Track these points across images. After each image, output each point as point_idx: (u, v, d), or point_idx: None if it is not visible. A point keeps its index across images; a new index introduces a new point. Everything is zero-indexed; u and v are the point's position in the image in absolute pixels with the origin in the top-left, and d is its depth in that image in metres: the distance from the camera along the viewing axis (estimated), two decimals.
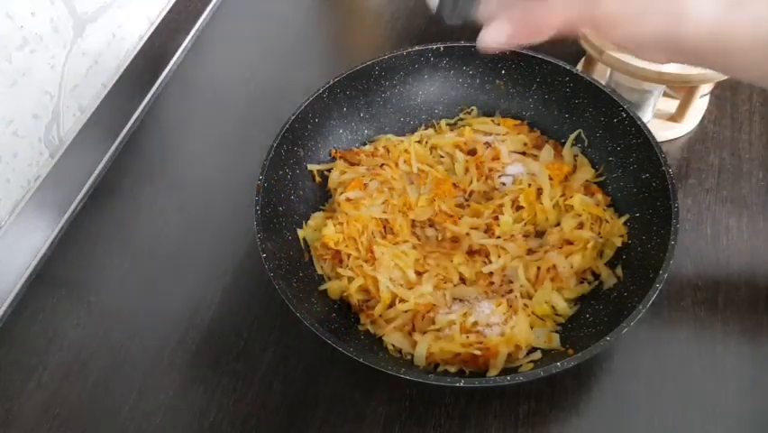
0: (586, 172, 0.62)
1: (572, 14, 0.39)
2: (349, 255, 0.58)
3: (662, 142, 0.65)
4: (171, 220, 0.68)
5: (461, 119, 0.68)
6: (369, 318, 0.55)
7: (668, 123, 0.68)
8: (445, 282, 0.56)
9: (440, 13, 0.47)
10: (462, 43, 0.65)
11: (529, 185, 0.60)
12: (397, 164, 0.64)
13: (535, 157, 0.64)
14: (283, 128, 0.60)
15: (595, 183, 0.61)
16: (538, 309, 0.54)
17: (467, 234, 0.59)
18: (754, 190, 0.64)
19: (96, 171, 0.73)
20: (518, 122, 0.66)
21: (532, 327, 0.53)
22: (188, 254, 0.65)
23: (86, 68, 0.72)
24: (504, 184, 0.62)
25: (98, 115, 0.72)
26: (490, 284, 0.56)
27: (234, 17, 0.89)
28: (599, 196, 0.60)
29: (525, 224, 0.59)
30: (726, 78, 0.62)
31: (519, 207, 0.60)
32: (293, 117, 0.61)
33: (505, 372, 0.50)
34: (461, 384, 0.47)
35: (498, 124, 0.66)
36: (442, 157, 0.66)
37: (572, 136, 0.63)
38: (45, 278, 0.65)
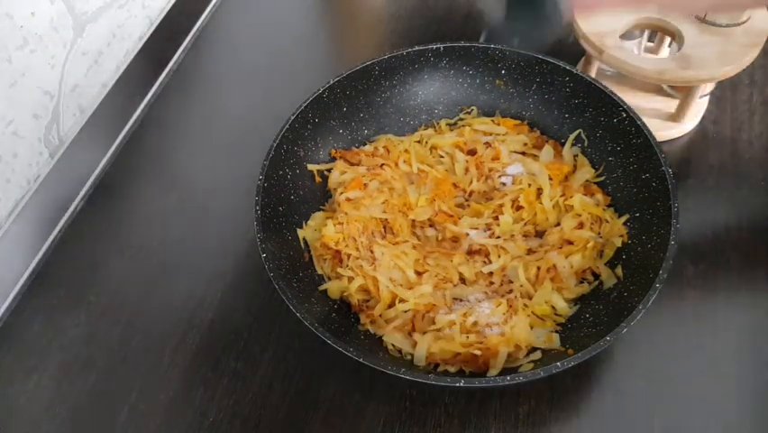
0: (586, 172, 0.62)
1: None
2: (349, 255, 0.58)
3: (662, 142, 0.65)
4: (171, 220, 0.68)
5: (461, 119, 0.68)
6: (369, 318, 0.55)
7: (668, 123, 0.68)
8: (445, 282, 0.56)
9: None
10: (462, 43, 0.65)
11: (529, 185, 0.60)
12: (397, 164, 0.64)
13: (535, 157, 0.64)
14: (283, 128, 0.60)
15: (595, 183, 0.61)
16: (538, 309, 0.54)
17: (467, 234, 0.59)
18: (754, 190, 0.64)
19: (96, 171, 0.73)
20: (518, 122, 0.66)
21: (532, 327, 0.53)
22: (188, 254, 0.65)
23: (86, 68, 0.72)
24: (504, 184, 0.62)
25: (98, 115, 0.72)
26: (490, 284, 0.56)
27: (234, 17, 0.89)
28: (599, 196, 0.60)
29: (526, 224, 0.59)
30: (726, 77, 0.62)
31: (519, 207, 0.60)
32: (293, 117, 0.61)
33: (505, 372, 0.50)
34: (461, 384, 0.47)
35: (498, 124, 0.66)
36: (442, 157, 0.66)
37: (572, 136, 0.64)
38: (45, 278, 0.65)
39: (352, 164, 0.65)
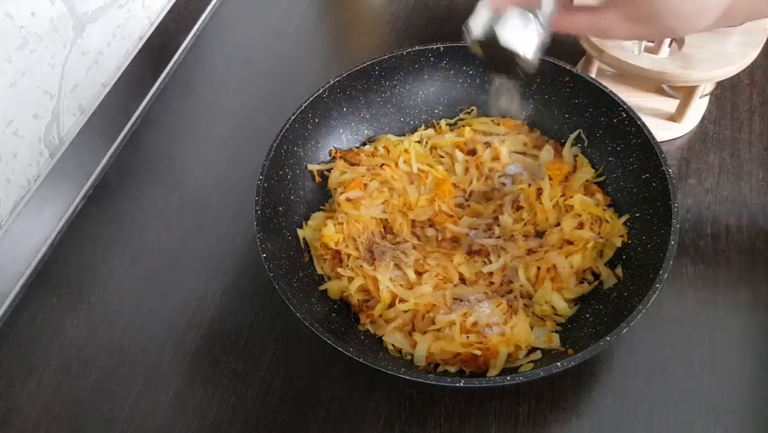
0: (586, 172, 0.62)
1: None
2: (349, 255, 0.58)
3: (662, 142, 0.65)
4: (171, 220, 0.68)
5: (461, 119, 0.68)
6: (369, 318, 0.55)
7: (668, 123, 0.68)
8: (445, 282, 0.56)
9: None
10: (462, 43, 0.65)
11: (529, 185, 0.60)
12: (397, 164, 0.64)
13: (535, 157, 0.64)
14: (283, 128, 0.60)
15: (595, 183, 0.61)
16: (538, 309, 0.54)
17: (467, 234, 0.59)
18: (754, 190, 0.64)
19: (96, 171, 0.73)
20: (518, 122, 0.66)
21: (532, 327, 0.53)
22: (188, 254, 0.65)
23: (86, 68, 0.72)
24: (504, 184, 0.62)
25: (98, 115, 0.72)
26: (490, 284, 0.56)
27: (234, 17, 0.89)
28: (599, 196, 0.60)
29: (525, 224, 0.59)
30: (726, 77, 0.62)
31: (519, 207, 0.60)
32: (293, 117, 0.61)
33: (505, 372, 0.50)
34: (461, 384, 0.47)
35: (498, 124, 0.66)
36: (442, 157, 0.66)
37: (572, 136, 0.63)
38: (45, 278, 0.65)
39: (352, 164, 0.65)
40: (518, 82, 0.46)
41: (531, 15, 0.41)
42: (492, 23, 0.41)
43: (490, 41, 0.41)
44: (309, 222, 0.61)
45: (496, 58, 0.43)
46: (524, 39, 0.41)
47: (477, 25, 0.41)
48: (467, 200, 0.62)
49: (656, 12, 0.41)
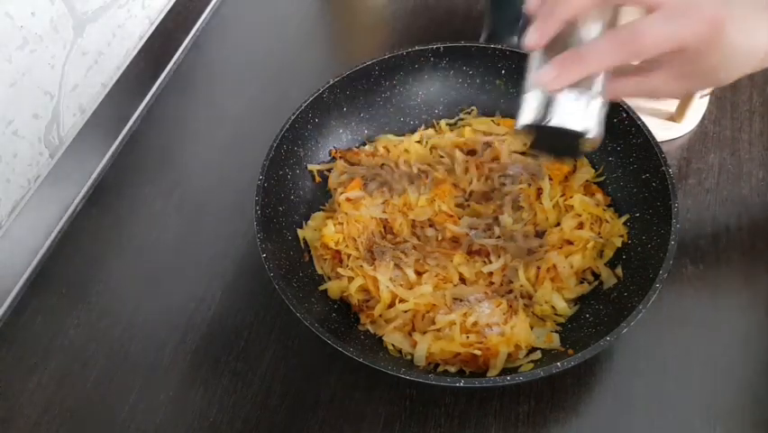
0: (586, 172, 0.61)
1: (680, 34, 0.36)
2: (349, 255, 0.58)
3: (662, 142, 0.65)
4: (171, 220, 0.68)
5: (462, 119, 0.68)
6: (369, 318, 0.55)
7: (668, 123, 0.68)
8: (445, 282, 0.56)
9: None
10: (462, 43, 0.65)
11: (529, 185, 0.60)
12: (397, 164, 0.64)
13: (536, 157, 0.64)
14: (283, 128, 0.60)
15: (595, 183, 0.61)
16: (538, 309, 0.54)
17: (467, 234, 0.59)
18: (754, 190, 0.64)
19: (96, 171, 0.73)
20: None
21: (532, 327, 0.53)
22: (188, 254, 0.65)
23: (86, 68, 0.72)
24: (504, 184, 0.62)
25: (98, 115, 0.72)
26: (490, 284, 0.56)
27: (234, 17, 0.89)
28: (599, 196, 0.60)
29: (525, 224, 0.59)
30: None
31: (519, 207, 0.60)
32: (293, 117, 0.61)
33: (505, 372, 0.50)
34: (461, 384, 0.47)
35: (498, 124, 0.66)
36: (442, 157, 0.66)
37: None
38: (45, 278, 0.65)
39: (352, 164, 0.65)
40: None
41: (585, 91, 0.38)
42: (545, 108, 0.38)
43: (546, 128, 0.38)
44: (309, 222, 0.61)
45: (554, 142, 0.40)
46: (583, 117, 0.38)
47: (529, 114, 0.39)
48: (467, 200, 0.62)
49: (717, 65, 0.38)
